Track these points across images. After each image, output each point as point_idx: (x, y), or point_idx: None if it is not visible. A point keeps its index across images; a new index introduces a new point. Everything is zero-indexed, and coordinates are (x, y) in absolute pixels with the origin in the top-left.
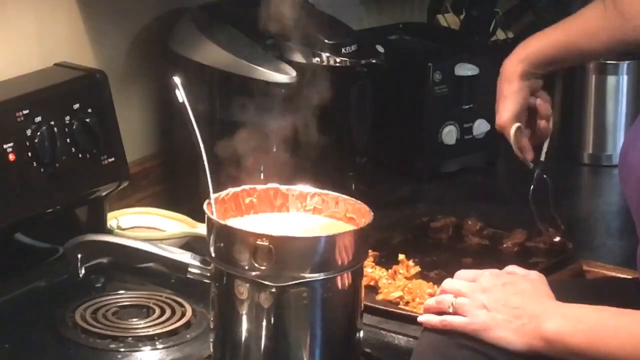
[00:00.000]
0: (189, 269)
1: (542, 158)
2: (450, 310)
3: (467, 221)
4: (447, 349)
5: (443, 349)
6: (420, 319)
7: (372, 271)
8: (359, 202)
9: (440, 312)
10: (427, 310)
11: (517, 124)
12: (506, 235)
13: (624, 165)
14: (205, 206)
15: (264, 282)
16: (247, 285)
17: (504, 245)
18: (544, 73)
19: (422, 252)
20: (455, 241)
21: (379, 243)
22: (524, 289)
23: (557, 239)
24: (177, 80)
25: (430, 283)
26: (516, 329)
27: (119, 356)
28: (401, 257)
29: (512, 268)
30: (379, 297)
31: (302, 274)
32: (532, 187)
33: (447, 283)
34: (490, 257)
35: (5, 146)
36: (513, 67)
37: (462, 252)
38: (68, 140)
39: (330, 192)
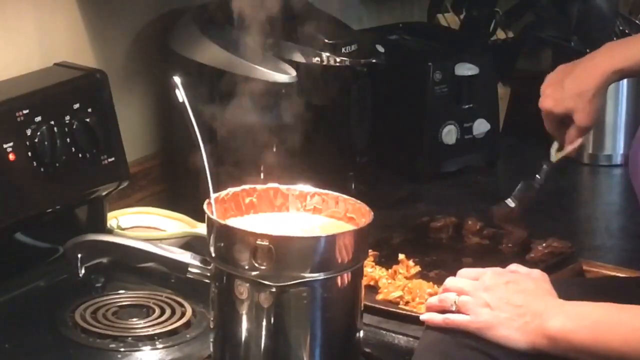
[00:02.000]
0: (189, 269)
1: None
2: (453, 308)
3: (467, 221)
4: (449, 348)
5: (445, 348)
6: (422, 317)
7: (372, 271)
8: (359, 202)
9: (443, 311)
10: (430, 309)
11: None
12: (506, 235)
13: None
14: (205, 206)
15: (264, 282)
16: (247, 285)
17: (504, 245)
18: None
19: (422, 252)
20: (455, 241)
21: (379, 243)
22: (526, 287)
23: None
24: (177, 80)
25: (431, 283)
26: (519, 327)
27: (119, 356)
28: (401, 256)
29: (514, 267)
30: (379, 296)
31: (302, 274)
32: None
33: (450, 281)
34: (490, 256)
35: (5, 146)
36: (607, 72)
37: (462, 252)
38: (68, 140)
39: (330, 192)
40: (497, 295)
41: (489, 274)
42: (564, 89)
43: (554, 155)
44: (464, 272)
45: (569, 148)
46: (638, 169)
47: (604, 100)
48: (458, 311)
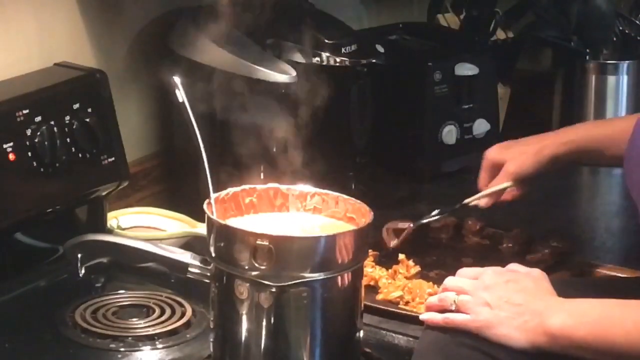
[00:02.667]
0: (189, 269)
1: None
2: (453, 307)
3: (467, 221)
4: (448, 347)
5: (445, 347)
6: (422, 316)
7: (372, 271)
8: (359, 202)
9: (443, 310)
10: (430, 308)
11: (509, 183)
12: (506, 235)
13: (632, 156)
14: (205, 206)
15: (264, 282)
16: (247, 285)
17: (504, 245)
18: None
19: (422, 251)
20: (455, 241)
21: (379, 243)
22: (526, 286)
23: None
24: (177, 80)
25: (430, 283)
26: (519, 326)
27: (119, 356)
28: (401, 256)
29: (514, 266)
30: (379, 296)
31: (302, 274)
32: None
33: (450, 281)
34: (490, 256)
35: (5, 146)
36: (551, 145)
37: (462, 251)
38: (68, 140)
39: (330, 192)
40: (497, 294)
41: (489, 273)
42: (512, 145)
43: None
44: (463, 271)
45: (486, 190)
46: (631, 167)
47: (537, 169)
48: (458, 310)
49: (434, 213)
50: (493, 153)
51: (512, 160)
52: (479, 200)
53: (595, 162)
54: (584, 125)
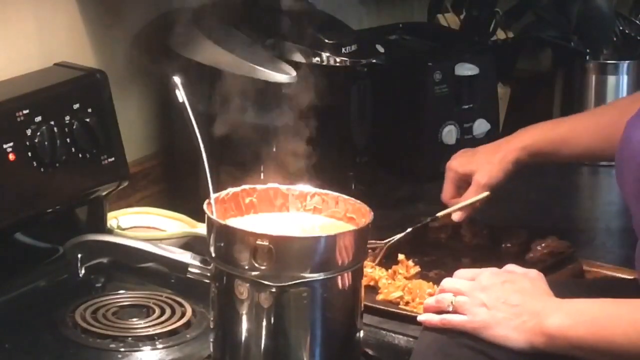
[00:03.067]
0: (189, 269)
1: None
2: (450, 309)
3: (466, 221)
4: (447, 348)
5: (443, 348)
6: (420, 318)
7: (372, 271)
8: (359, 202)
9: (440, 311)
10: (427, 310)
11: (487, 193)
12: (505, 235)
13: (623, 153)
14: (205, 206)
15: (264, 282)
16: (247, 285)
17: (503, 245)
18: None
19: (421, 252)
20: (454, 241)
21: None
22: (523, 287)
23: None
24: (177, 80)
25: (431, 283)
26: (516, 326)
27: (119, 356)
28: (401, 257)
29: (511, 267)
30: (379, 297)
31: (302, 274)
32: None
33: (447, 282)
34: (489, 257)
35: (5, 146)
36: (517, 146)
37: (461, 252)
38: (68, 140)
39: (330, 192)
40: (494, 295)
41: (486, 274)
42: (474, 155)
43: (438, 216)
44: (460, 272)
45: (462, 203)
46: (622, 168)
47: (506, 176)
48: (455, 312)
49: (407, 231)
50: (457, 165)
51: (479, 171)
52: (451, 213)
53: (555, 161)
54: (539, 126)
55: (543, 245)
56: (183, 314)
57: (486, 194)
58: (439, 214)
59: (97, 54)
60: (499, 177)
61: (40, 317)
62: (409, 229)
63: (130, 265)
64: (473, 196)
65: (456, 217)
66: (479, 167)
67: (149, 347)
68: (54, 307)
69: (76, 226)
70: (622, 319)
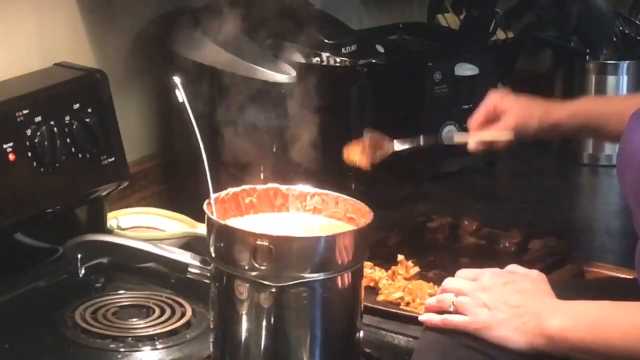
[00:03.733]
0: (189, 269)
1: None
2: (451, 309)
3: (464, 221)
4: (447, 348)
5: (444, 348)
6: (421, 318)
7: (371, 272)
8: (359, 202)
9: (441, 311)
10: (428, 310)
11: (510, 136)
12: (503, 235)
13: (624, 152)
14: (205, 206)
15: (264, 282)
16: (247, 285)
17: (501, 245)
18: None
19: (420, 252)
20: (452, 241)
21: (375, 244)
22: (524, 287)
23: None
24: (177, 80)
25: (431, 283)
26: (517, 327)
27: (119, 356)
28: (400, 257)
29: (513, 267)
30: (380, 298)
31: (302, 274)
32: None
33: (448, 282)
34: (487, 257)
35: (5, 146)
36: (558, 113)
37: (459, 252)
38: (68, 140)
39: (330, 192)
40: (495, 296)
41: (487, 275)
42: (520, 99)
43: (455, 137)
44: (462, 272)
45: (484, 135)
46: (624, 163)
47: (537, 132)
48: (456, 312)
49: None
50: (499, 99)
51: (517, 113)
52: (469, 140)
53: (595, 136)
54: (585, 100)
55: (540, 245)
56: (183, 314)
57: (509, 136)
58: (456, 139)
59: (97, 54)
60: (530, 130)
61: (40, 317)
62: (421, 137)
63: (130, 265)
64: (497, 132)
65: (472, 145)
66: (518, 111)
67: (149, 347)
68: (54, 307)
69: (76, 226)
70: (622, 321)
